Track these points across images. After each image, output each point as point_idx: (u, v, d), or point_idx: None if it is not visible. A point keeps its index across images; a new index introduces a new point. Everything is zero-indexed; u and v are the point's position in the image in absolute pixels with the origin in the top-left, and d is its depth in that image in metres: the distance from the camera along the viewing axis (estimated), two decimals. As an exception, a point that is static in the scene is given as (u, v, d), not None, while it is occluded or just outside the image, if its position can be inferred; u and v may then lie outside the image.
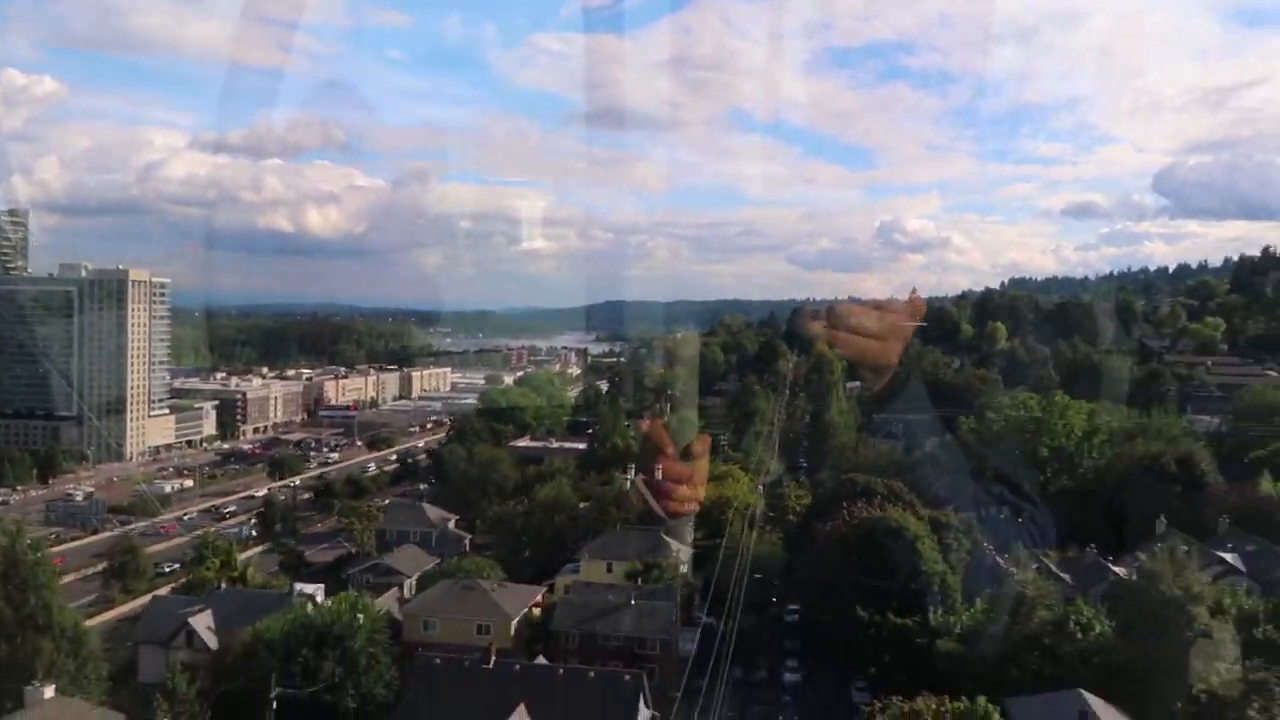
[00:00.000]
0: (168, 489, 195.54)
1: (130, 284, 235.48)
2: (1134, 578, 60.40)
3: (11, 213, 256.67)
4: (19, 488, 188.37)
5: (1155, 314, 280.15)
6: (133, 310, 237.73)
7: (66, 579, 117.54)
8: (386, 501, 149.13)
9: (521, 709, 52.15)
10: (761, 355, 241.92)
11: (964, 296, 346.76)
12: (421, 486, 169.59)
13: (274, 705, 64.24)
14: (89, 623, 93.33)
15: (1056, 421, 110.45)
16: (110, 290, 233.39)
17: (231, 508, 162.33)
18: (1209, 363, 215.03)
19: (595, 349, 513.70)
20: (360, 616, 73.74)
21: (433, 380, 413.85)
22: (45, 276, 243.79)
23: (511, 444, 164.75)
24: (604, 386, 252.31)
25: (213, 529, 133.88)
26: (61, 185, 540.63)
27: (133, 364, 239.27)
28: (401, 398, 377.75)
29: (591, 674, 56.34)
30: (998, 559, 79.20)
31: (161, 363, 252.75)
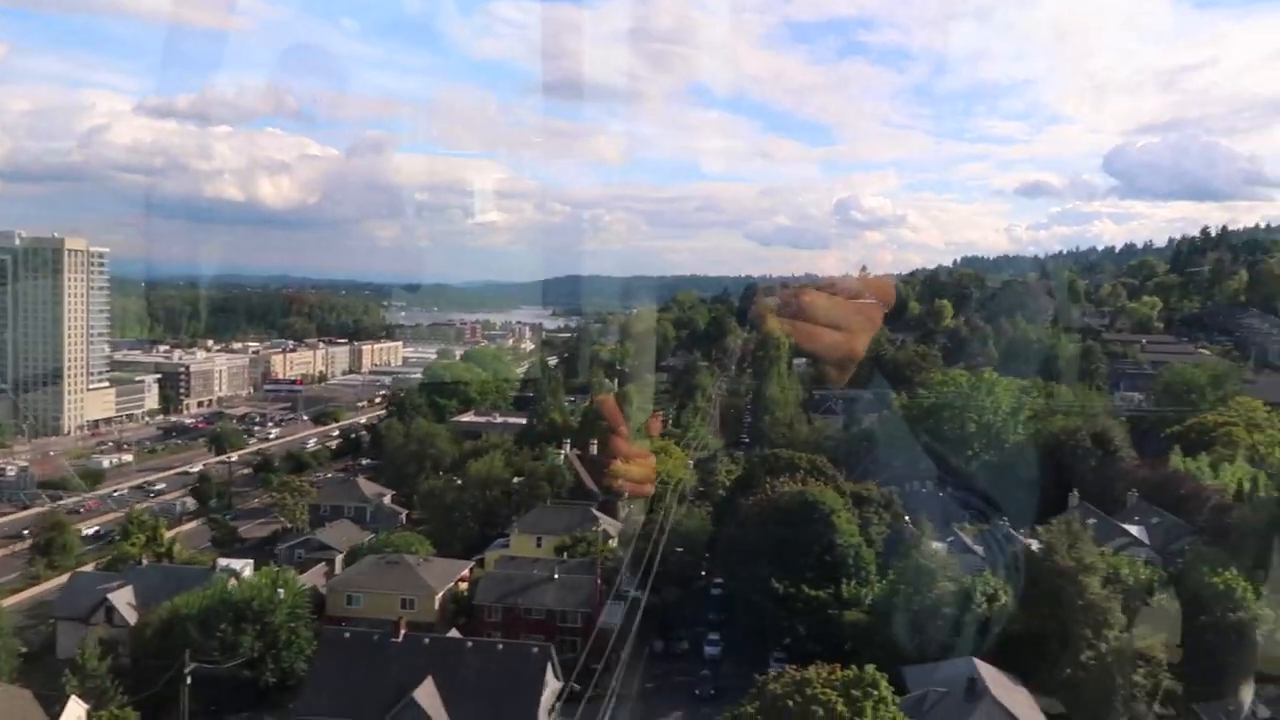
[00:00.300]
0: (105, 463, 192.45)
1: (66, 253, 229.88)
2: (1031, 550, 62.16)
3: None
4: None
5: (1096, 293, 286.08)
6: (69, 280, 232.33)
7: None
8: (329, 476, 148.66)
9: (429, 681, 52.63)
10: (710, 332, 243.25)
11: (914, 274, 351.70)
12: (364, 462, 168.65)
13: (188, 680, 63.94)
14: (11, 600, 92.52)
15: (984, 398, 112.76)
16: (45, 259, 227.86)
17: (161, 485, 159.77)
18: (1144, 341, 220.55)
19: (550, 324, 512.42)
20: (281, 592, 73.71)
21: (384, 355, 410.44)
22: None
23: (455, 419, 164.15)
24: (554, 361, 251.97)
25: (143, 504, 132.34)
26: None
27: (70, 335, 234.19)
28: (351, 372, 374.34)
29: (500, 646, 57.03)
30: (915, 531, 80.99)
31: (100, 334, 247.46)
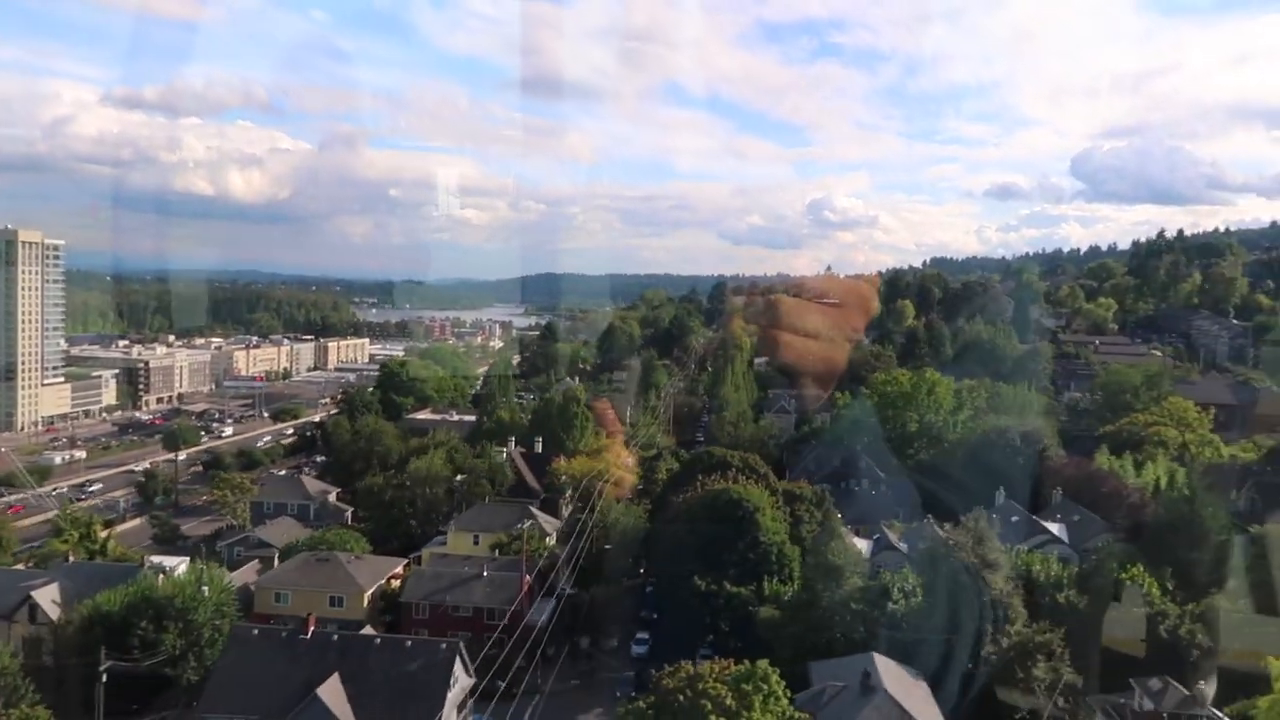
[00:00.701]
0: (57, 460, 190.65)
1: (20, 245, 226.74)
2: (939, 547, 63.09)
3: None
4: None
5: (1056, 294, 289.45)
6: (23, 273, 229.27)
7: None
8: (280, 473, 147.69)
9: (335, 678, 52.73)
10: (671, 331, 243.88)
11: (879, 274, 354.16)
12: (318, 459, 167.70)
13: (103, 679, 63.53)
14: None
15: (924, 397, 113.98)
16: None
17: (97, 485, 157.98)
18: (1097, 342, 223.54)
19: (523, 321, 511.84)
20: (205, 589, 73.39)
21: (350, 351, 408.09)
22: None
23: (411, 416, 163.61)
24: (516, 359, 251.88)
25: (88, 502, 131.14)
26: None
27: (23, 329, 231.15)
28: (316, 369, 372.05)
29: (408, 643, 57.14)
30: (842, 529, 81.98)
31: (55, 329, 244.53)
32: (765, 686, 45.02)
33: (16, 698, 61.00)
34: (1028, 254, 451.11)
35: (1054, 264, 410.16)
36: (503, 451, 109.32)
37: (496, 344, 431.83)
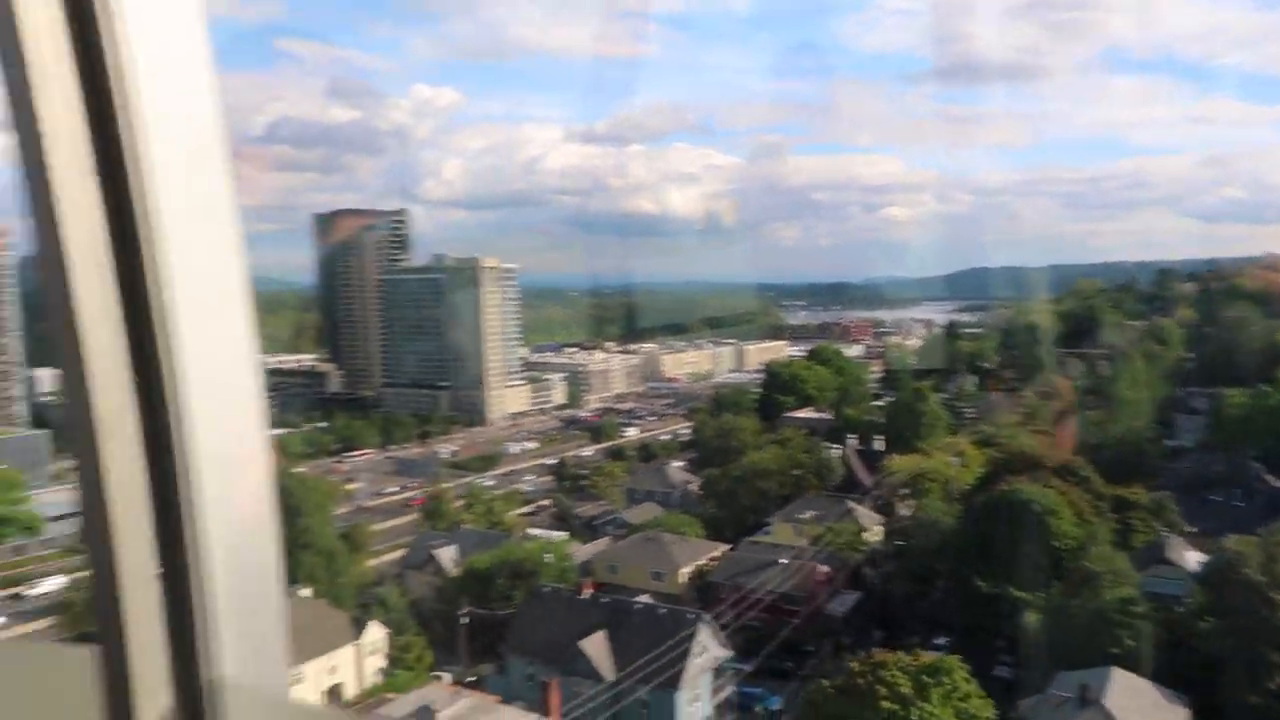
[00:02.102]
0: (514, 449, 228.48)
1: (483, 270, 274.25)
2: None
3: (396, 213, 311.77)
4: (401, 445, 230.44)
5: None
6: (487, 293, 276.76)
7: (392, 522, 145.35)
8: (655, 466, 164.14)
9: (601, 634, 61.53)
10: (1080, 325, 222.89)
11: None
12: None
13: (464, 621, 79.40)
14: (391, 555, 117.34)
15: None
16: (468, 277, 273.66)
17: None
18: None
19: (942, 320, 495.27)
20: (549, 556, 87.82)
21: (769, 354, 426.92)
22: (419, 267, 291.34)
23: (790, 415, 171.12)
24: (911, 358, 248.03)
25: (514, 487, 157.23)
26: (463, 184, 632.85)
27: (489, 341, 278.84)
28: (736, 370, 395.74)
29: (662, 610, 64.09)
30: (1176, 541, 73.38)
31: (512, 340, 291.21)
32: (948, 682, 44.88)
33: (402, 629, 79.09)
34: None
35: None
36: (836, 448, 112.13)
37: (914, 343, 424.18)
